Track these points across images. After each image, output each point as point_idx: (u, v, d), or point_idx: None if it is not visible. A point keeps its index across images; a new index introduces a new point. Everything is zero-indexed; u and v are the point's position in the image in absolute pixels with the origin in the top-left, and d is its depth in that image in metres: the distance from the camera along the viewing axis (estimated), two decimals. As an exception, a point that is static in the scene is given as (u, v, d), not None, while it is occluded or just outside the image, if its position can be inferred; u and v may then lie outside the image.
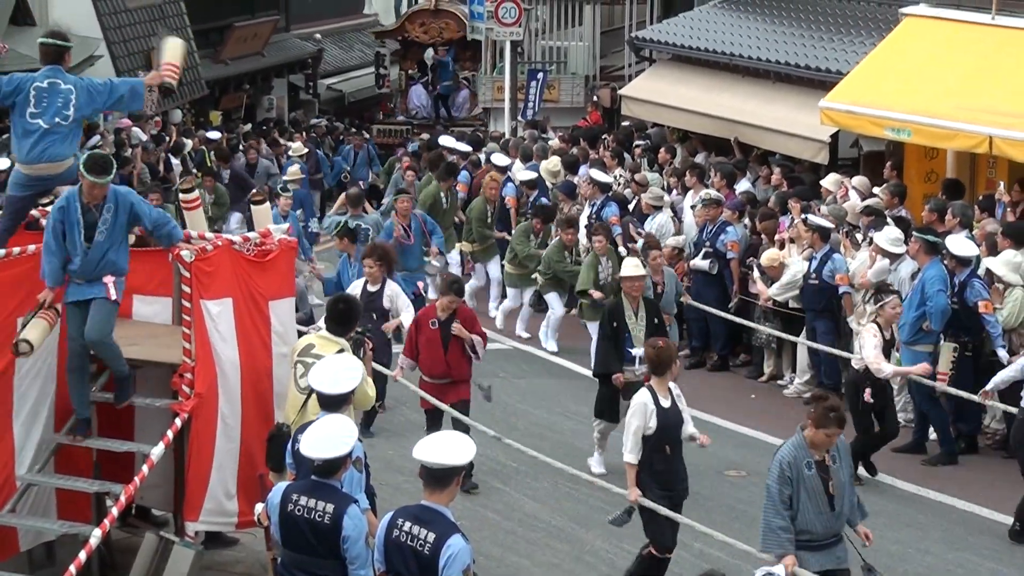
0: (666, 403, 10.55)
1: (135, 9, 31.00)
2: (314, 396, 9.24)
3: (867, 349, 12.99)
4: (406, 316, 13.94)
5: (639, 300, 13.30)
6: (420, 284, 17.36)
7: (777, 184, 18.64)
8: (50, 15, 28.65)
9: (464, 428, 12.17)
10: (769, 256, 16.13)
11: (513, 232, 18.80)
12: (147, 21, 31.39)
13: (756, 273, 16.24)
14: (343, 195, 19.18)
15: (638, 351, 12.82)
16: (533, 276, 18.16)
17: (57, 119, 10.06)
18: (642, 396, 10.51)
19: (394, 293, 14.17)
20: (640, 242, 16.86)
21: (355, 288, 14.12)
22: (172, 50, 10.94)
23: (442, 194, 20.02)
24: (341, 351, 9.73)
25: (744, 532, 11.71)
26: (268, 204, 12.41)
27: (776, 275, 16.12)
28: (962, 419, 14.24)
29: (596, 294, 16.17)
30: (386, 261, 14.14)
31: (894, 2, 19.89)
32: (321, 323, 10.64)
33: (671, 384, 10.68)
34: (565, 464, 12.44)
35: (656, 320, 13.32)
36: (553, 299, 18.08)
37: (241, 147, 27.37)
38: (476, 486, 12.71)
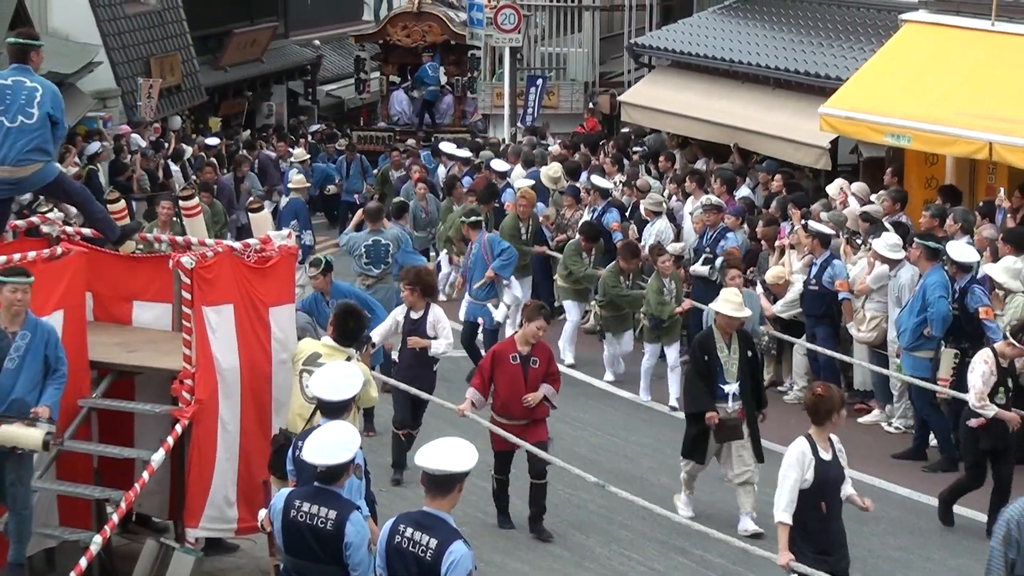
0: (826, 455, 9.43)
1: (134, 16, 31.05)
2: None
3: (974, 377, 12.15)
4: (440, 344, 13.04)
5: (733, 331, 12.26)
6: (482, 317, 16.15)
7: (777, 190, 18.64)
8: (49, 22, 28.67)
9: (540, 472, 11.86)
10: (774, 274, 16.10)
11: (564, 251, 17.76)
12: (146, 28, 31.45)
13: (760, 290, 16.20)
14: (360, 211, 17.91)
15: (732, 387, 12.05)
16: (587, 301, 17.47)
17: (21, 117, 9.86)
18: (800, 445, 9.39)
19: (437, 319, 13.13)
20: (646, 249, 16.91)
21: (398, 315, 13.18)
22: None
23: (520, 225, 18.85)
24: (349, 359, 9.77)
25: (743, 538, 11.71)
26: (266, 211, 12.43)
27: (781, 292, 16.09)
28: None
29: (682, 308, 15.77)
30: (420, 286, 13.06)
31: (894, 8, 19.92)
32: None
33: (832, 435, 9.55)
34: (566, 470, 12.40)
35: (750, 353, 12.33)
36: (571, 307, 17.64)
37: (242, 152, 27.18)
38: (551, 536, 11.99)
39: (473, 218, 16.98)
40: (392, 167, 25.48)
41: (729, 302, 12.24)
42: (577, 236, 17.73)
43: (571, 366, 17.34)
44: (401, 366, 13.34)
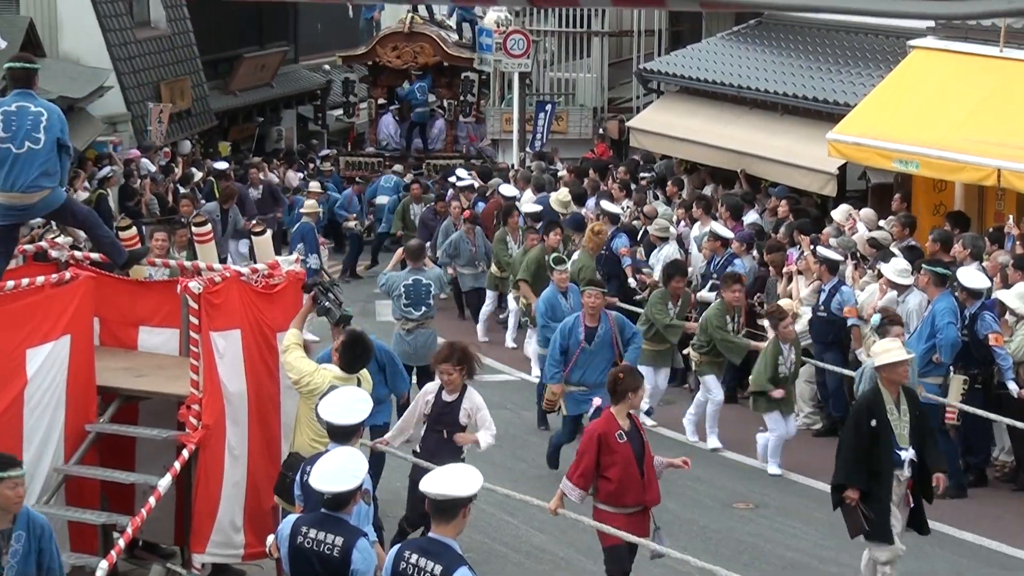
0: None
1: (145, 40, 31.13)
2: None
3: None
4: (485, 435, 11.22)
5: (899, 389, 10.82)
6: (597, 400, 12.25)
7: (784, 216, 18.63)
8: (60, 46, 28.78)
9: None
10: (784, 306, 16.05)
11: (649, 299, 16.08)
12: (157, 52, 31.54)
13: (768, 322, 16.14)
14: (400, 249, 16.29)
15: (908, 452, 10.68)
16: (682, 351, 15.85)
17: (28, 143, 9.79)
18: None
19: (475, 406, 11.23)
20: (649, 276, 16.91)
21: (428, 394, 11.28)
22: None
23: (547, 258, 17.43)
24: (359, 379, 9.93)
25: (752, 565, 11.69)
26: (268, 235, 12.42)
27: None
28: (971, 452, 14.20)
29: (777, 393, 14.16)
30: (467, 365, 11.19)
31: (902, 34, 19.93)
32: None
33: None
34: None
35: (918, 412, 10.88)
36: (712, 383, 15.17)
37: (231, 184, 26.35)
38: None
39: (561, 266, 15.55)
40: (412, 200, 24.53)
41: (889, 351, 10.89)
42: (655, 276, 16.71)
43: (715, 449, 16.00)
44: (423, 454, 11.18)
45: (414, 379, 14.05)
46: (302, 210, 22.16)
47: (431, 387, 11.34)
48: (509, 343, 19.50)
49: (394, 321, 15.47)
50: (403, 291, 15.14)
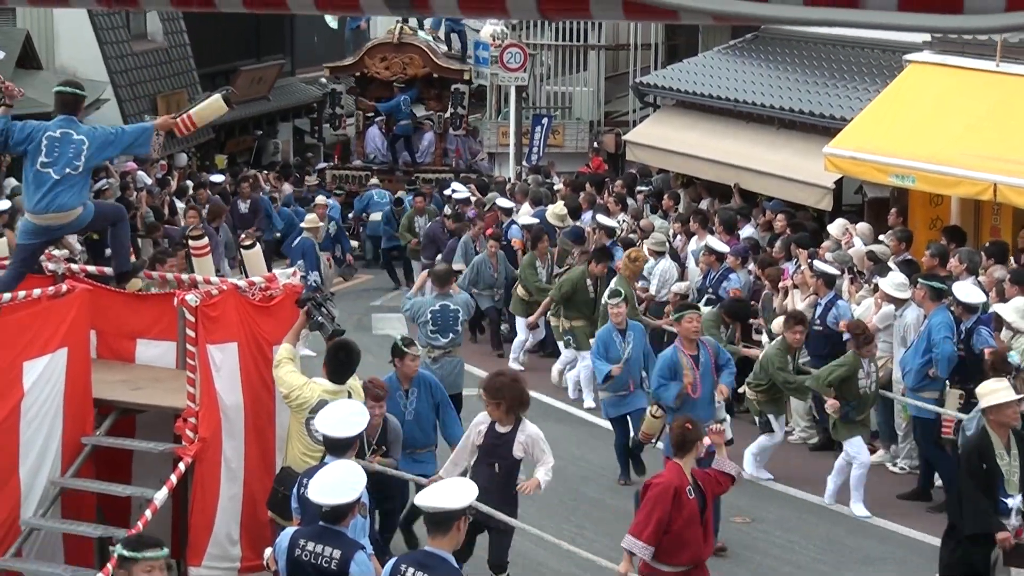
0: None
1: (141, 53, 31.17)
2: None
3: None
4: (545, 472, 10.50)
5: (1009, 432, 10.32)
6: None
7: (780, 231, 18.65)
8: (57, 59, 28.82)
9: None
10: (781, 322, 16.05)
11: (767, 352, 14.58)
12: (153, 65, 31.57)
13: (766, 338, 16.16)
14: (425, 272, 15.90)
15: (1015, 501, 10.15)
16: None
17: (68, 170, 10.10)
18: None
19: (532, 440, 10.44)
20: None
21: (481, 424, 10.52)
22: (207, 108, 10.90)
23: (588, 281, 17.34)
24: (349, 393, 9.82)
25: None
26: (258, 248, 12.43)
27: None
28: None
29: (830, 405, 13.36)
30: (507, 400, 10.37)
31: (898, 49, 19.97)
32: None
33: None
34: (570, 509, 12.37)
35: None
36: (855, 444, 13.74)
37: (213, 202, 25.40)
38: None
39: (617, 299, 14.48)
40: (416, 212, 24.30)
41: (996, 391, 10.35)
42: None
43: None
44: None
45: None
46: (303, 224, 21.88)
47: (484, 416, 10.55)
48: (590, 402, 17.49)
49: (392, 336, 15.24)
50: (430, 317, 14.33)
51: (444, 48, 30.84)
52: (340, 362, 10.06)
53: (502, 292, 19.78)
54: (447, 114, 30.05)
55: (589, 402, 17.06)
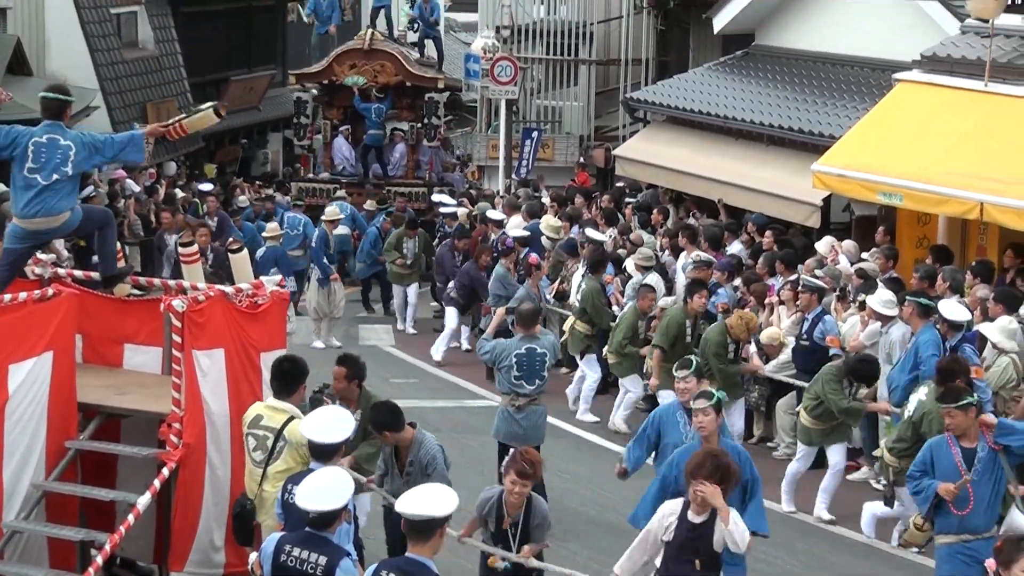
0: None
1: (132, 61, 31.18)
2: (273, 466, 9.34)
3: None
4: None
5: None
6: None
7: (768, 247, 18.70)
8: (47, 65, 28.82)
9: None
10: (769, 335, 16.08)
11: (824, 381, 13.74)
12: (144, 73, 31.59)
13: (753, 348, 16.19)
14: (500, 311, 14.38)
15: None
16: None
17: (55, 175, 10.12)
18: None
19: (739, 537, 9.01)
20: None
21: (670, 515, 9.17)
22: (197, 119, 10.88)
23: (688, 322, 15.68)
24: (292, 418, 9.51)
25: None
26: (245, 253, 12.41)
27: (775, 353, 16.07)
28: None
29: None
30: (729, 484, 9.05)
31: (887, 67, 20.04)
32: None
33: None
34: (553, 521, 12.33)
35: None
36: (836, 452, 13.81)
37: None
38: None
39: (686, 372, 11.43)
40: (406, 235, 22.25)
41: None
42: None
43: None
44: None
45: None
46: (265, 234, 21.51)
47: (672, 505, 9.19)
48: (588, 416, 17.16)
49: (379, 347, 14.91)
50: (514, 362, 13.01)
51: (416, 55, 29.83)
52: (284, 371, 9.79)
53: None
54: (420, 124, 28.66)
55: (622, 426, 16.35)
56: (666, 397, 14.98)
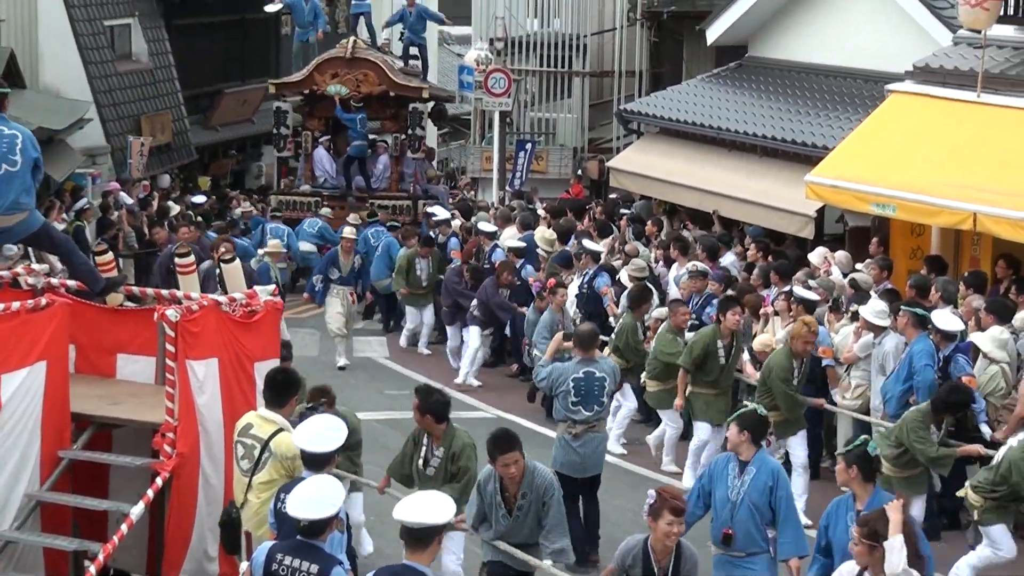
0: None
1: (126, 73, 31.18)
2: (259, 475, 9.29)
3: None
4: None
5: None
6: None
7: (754, 259, 18.70)
8: (41, 77, 28.81)
9: None
10: (762, 341, 16.06)
11: (909, 429, 12.57)
12: (138, 86, 31.59)
13: (746, 356, 16.18)
14: (558, 335, 13.67)
15: None
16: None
17: (5, 166, 9.90)
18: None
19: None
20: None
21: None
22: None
23: (720, 342, 14.76)
24: (280, 430, 9.48)
25: None
26: (239, 263, 12.39)
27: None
28: (945, 495, 14.21)
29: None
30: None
31: (880, 78, 20.07)
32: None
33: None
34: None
35: None
36: (998, 535, 12.20)
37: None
38: None
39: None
40: (419, 255, 21.03)
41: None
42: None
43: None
44: None
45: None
46: (265, 250, 21.05)
47: (852, 567, 8.68)
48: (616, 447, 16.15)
49: (373, 358, 14.75)
50: (572, 387, 12.46)
51: (400, 64, 28.82)
52: (277, 383, 9.76)
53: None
54: (404, 136, 27.87)
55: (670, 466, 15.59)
56: (669, 417, 15.27)
